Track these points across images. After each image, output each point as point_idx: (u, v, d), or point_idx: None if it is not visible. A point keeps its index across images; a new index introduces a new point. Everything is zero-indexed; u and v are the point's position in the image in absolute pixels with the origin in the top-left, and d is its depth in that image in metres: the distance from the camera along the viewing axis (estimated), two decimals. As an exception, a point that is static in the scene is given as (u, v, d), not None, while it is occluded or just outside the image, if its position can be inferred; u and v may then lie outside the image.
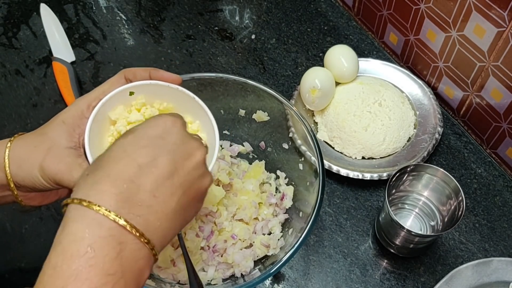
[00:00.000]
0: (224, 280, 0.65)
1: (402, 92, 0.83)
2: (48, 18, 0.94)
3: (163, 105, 0.53)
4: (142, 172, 0.39)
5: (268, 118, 0.71)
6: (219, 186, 0.68)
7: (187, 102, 0.53)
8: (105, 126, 0.51)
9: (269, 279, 0.70)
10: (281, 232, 0.69)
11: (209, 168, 0.47)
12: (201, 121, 0.54)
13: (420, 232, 0.69)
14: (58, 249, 0.35)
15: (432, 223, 0.70)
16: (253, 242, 0.67)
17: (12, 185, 0.49)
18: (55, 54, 0.91)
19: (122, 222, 0.36)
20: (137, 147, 0.40)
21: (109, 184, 0.37)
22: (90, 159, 0.47)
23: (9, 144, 0.48)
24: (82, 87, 0.88)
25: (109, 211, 0.36)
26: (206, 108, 0.53)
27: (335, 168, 0.75)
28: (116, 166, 0.39)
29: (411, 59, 0.88)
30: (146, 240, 0.37)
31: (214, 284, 0.65)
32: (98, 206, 0.36)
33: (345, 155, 0.79)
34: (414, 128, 0.80)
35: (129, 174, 0.38)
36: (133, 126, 0.43)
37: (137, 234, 0.36)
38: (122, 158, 0.39)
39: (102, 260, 0.34)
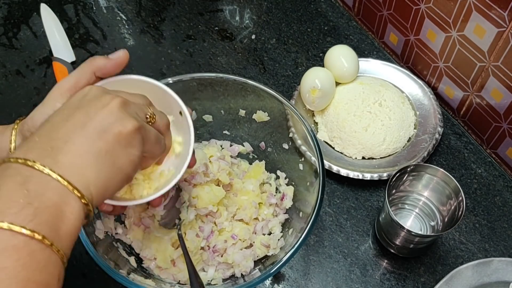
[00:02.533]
0: (224, 280, 0.65)
1: (402, 92, 0.83)
2: (48, 18, 0.94)
3: None
4: (54, 127, 0.42)
5: (268, 118, 0.71)
6: (219, 186, 0.68)
7: (161, 96, 0.53)
8: None
9: (269, 279, 0.70)
10: (281, 232, 0.69)
11: (187, 158, 0.51)
12: (175, 115, 0.54)
13: (420, 232, 0.69)
14: None
15: (432, 223, 0.70)
16: (253, 242, 0.67)
17: None
18: (55, 54, 0.91)
19: (29, 163, 0.38)
20: (56, 113, 0.44)
21: (23, 145, 0.41)
22: None
23: (15, 126, 0.50)
24: (82, 87, 0.88)
25: (16, 158, 0.38)
26: (179, 100, 0.52)
27: (335, 168, 0.75)
28: (38, 130, 0.42)
29: (411, 59, 0.88)
30: (55, 175, 0.38)
31: (214, 284, 0.65)
32: (7, 158, 0.39)
33: (345, 155, 0.79)
34: (414, 128, 0.80)
35: (43, 132, 0.41)
36: None
37: (43, 170, 0.38)
38: (41, 125, 0.43)
39: (5, 191, 0.37)
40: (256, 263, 0.66)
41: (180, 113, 0.53)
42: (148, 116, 0.47)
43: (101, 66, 0.49)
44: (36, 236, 0.36)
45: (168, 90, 0.52)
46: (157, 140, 0.48)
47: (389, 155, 0.78)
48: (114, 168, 0.43)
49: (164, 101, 0.53)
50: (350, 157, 0.79)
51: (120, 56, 0.49)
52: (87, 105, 0.43)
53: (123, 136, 0.43)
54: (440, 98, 0.85)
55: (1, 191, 0.37)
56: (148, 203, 0.53)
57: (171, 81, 0.67)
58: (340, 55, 0.79)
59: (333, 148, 0.80)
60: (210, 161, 0.69)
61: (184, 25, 0.97)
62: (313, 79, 0.77)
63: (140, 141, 0.45)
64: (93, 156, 0.41)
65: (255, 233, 0.68)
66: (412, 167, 0.66)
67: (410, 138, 0.79)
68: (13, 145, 0.49)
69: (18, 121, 0.50)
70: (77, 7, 0.99)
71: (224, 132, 0.75)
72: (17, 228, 0.35)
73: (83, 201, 0.40)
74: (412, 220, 0.72)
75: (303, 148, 0.68)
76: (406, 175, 0.67)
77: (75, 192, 0.39)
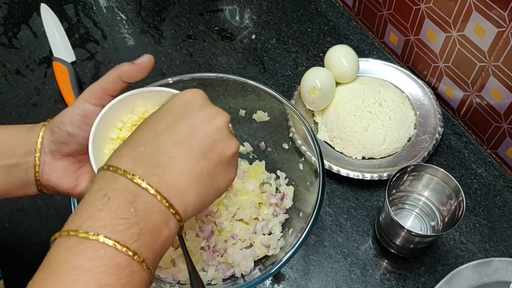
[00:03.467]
0: (224, 280, 0.65)
1: (403, 92, 0.83)
2: (49, 18, 0.94)
3: None
4: (159, 137, 0.41)
5: (268, 118, 0.71)
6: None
7: None
8: (109, 128, 0.51)
9: (269, 279, 0.70)
10: (281, 232, 0.69)
11: None
12: None
13: (420, 232, 0.69)
14: (81, 202, 0.39)
15: (433, 223, 0.70)
16: (253, 242, 0.67)
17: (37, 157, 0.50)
18: (56, 54, 0.91)
19: (136, 179, 0.38)
20: (157, 118, 0.43)
21: (127, 149, 0.41)
22: (94, 166, 0.48)
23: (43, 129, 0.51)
24: (82, 87, 0.88)
25: (125, 171, 0.39)
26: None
27: (335, 168, 0.75)
28: (137, 135, 0.42)
29: (411, 59, 0.88)
30: (159, 197, 0.39)
31: (214, 284, 0.65)
32: (115, 167, 0.39)
33: (345, 155, 0.79)
34: (415, 128, 0.80)
35: (147, 140, 0.41)
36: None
37: (149, 189, 0.38)
38: (142, 129, 0.43)
39: (115, 206, 0.37)
40: (256, 263, 0.66)
41: None
42: (232, 131, 0.47)
43: (127, 71, 0.49)
44: (137, 258, 0.37)
45: (170, 90, 0.52)
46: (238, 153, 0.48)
47: (389, 155, 0.78)
48: (212, 189, 0.43)
49: None
50: (350, 157, 0.79)
51: (145, 61, 0.50)
52: (191, 116, 0.43)
53: (226, 157, 0.43)
54: (440, 98, 0.85)
55: (111, 204, 0.37)
56: None
57: (171, 81, 0.67)
58: (340, 55, 0.79)
59: (333, 148, 0.80)
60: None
61: (184, 25, 0.97)
62: (313, 79, 0.77)
63: (237, 161, 0.45)
64: (196, 178, 0.41)
65: (255, 233, 0.68)
66: (412, 167, 0.66)
67: (410, 138, 0.79)
68: (39, 140, 0.50)
69: (49, 119, 0.51)
70: (77, 7, 0.99)
71: (224, 132, 0.75)
72: (121, 248, 0.36)
73: (180, 224, 0.40)
74: (412, 220, 0.72)
75: (303, 148, 0.68)
76: (406, 175, 0.67)
77: (176, 216, 0.40)
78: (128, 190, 0.38)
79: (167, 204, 0.39)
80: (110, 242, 0.36)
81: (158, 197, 0.39)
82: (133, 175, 0.39)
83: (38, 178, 0.51)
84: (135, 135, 0.42)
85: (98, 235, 0.36)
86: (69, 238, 0.36)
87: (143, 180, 0.38)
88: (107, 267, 0.35)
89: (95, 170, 0.47)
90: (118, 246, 0.36)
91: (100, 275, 0.35)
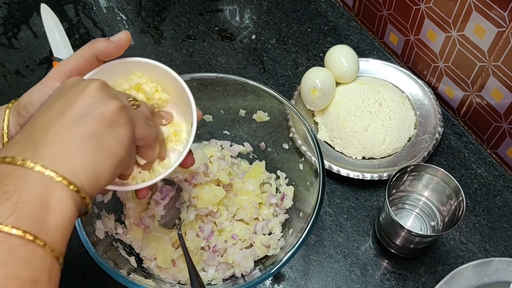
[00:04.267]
0: (224, 280, 0.65)
1: (403, 92, 0.83)
2: (49, 18, 0.94)
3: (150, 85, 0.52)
4: (34, 121, 0.41)
5: (268, 118, 0.71)
6: (220, 186, 0.68)
7: (166, 80, 0.52)
8: None
9: (270, 279, 0.70)
10: (281, 232, 0.69)
11: (187, 146, 0.49)
12: (177, 101, 0.53)
13: (420, 232, 0.69)
14: None
15: (433, 223, 0.70)
16: (254, 242, 0.67)
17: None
18: (56, 54, 0.91)
19: (7, 159, 0.37)
20: (37, 109, 0.43)
21: (9, 142, 0.41)
22: None
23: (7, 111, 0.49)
24: (82, 87, 0.88)
25: None
26: (183, 82, 0.52)
27: (335, 168, 0.75)
28: (20, 130, 0.41)
29: (411, 59, 0.88)
30: (32, 165, 0.37)
31: (215, 284, 0.65)
32: None
33: (346, 155, 0.79)
34: (415, 128, 0.80)
35: (25, 127, 0.41)
36: None
37: (17, 161, 0.37)
38: (25, 124, 0.42)
39: None
40: (256, 263, 0.66)
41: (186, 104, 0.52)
42: (130, 100, 0.45)
43: (102, 49, 0.47)
44: (15, 232, 0.34)
45: (171, 72, 0.51)
46: (147, 122, 0.46)
47: (389, 155, 0.78)
48: (101, 150, 0.40)
49: (168, 85, 0.52)
50: (350, 157, 0.79)
51: (122, 38, 0.48)
52: (66, 94, 0.42)
53: (106, 116, 0.41)
54: (440, 98, 0.85)
55: None
56: (137, 194, 0.51)
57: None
58: (340, 55, 0.79)
59: (333, 148, 0.80)
60: (210, 161, 0.69)
61: (184, 25, 0.97)
62: (313, 79, 0.77)
63: (127, 121, 0.43)
64: (76, 141, 0.39)
65: (255, 233, 0.68)
66: (412, 167, 0.66)
67: (410, 138, 0.79)
68: (5, 125, 0.47)
69: (13, 100, 0.49)
70: (78, 7, 0.99)
71: (224, 132, 0.75)
72: None
73: (71, 187, 0.38)
74: (412, 220, 0.72)
75: (303, 148, 0.68)
76: (406, 175, 0.67)
77: (61, 180, 0.37)
78: (3, 165, 0.37)
79: (46, 171, 0.37)
80: None
81: (36, 168, 0.37)
82: (3, 157, 0.37)
83: None
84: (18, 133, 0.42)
85: None
86: None
87: (14, 157, 0.37)
88: None
89: None
90: None
91: None
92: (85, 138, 0.40)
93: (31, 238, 0.34)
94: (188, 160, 0.52)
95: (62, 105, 0.41)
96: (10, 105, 0.48)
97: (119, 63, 0.49)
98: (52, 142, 0.38)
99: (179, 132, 0.53)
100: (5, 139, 0.47)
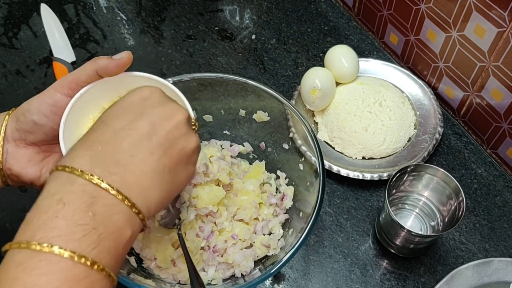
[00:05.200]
0: (224, 280, 0.65)
1: (403, 92, 0.83)
2: (49, 18, 0.94)
3: None
4: (117, 135, 0.40)
5: (269, 118, 0.71)
6: (220, 186, 0.68)
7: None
8: (83, 114, 0.50)
9: (269, 279, 0.70)
10: (282, 232, 0.69)
11: None
12: None
13: (420, 232, 0.69)
14: (32, 208, 0.36)
15: (433, 223, 0.70)
16: (254, 242, 0.67)
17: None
18: (56, 54, 0.91)
19: (95, 180, 0.36)
20: (114, 116, 0.42)
21: (84, 148, 0.39)
22: (63, 148, 0.46)
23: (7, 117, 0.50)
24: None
25: (82, 171, 0.36)
26: (181, 94, 0.52)
27: (335, 168, 0.75)
28: (93, 134, 0.40)
29: (411, 59, 0.88)
30: (121, 197, 0.37)
31: (215, 284, 0.65)
32: (71, 167, 0.37)
33: (346, 155, 0.79)
34: (415, 128, 0.80)
35: (105, 138, 0.40)
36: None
37: (110, 190, 0.37)
38: (99, 127, 0.41)
39: (71, 211, 0.35)
40: (256, 263, 0.66)
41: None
42: (194, 126, 0.46)
43: (104, 66, 0.48)
44: (96, 267, 0.34)
45: (174, 89, 0.52)
46: (200, 149, 0.47)
47: (389, 155, 0.78)
48: (173, 186, 0.42)
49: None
50: (350, 157, 0.79)
51: (123, 57, 0.48)
52: (151, 113, 0.41)
53: (186, 153, 0.42)
54: (440, 98, 0.85)
55: (67, 211, 0.35)
56: None
57: (171, 81, 0.67)
58: (340, 55, 0.79)
59: (333, 148, 0.80)
60: (210, 161, 0.69)
61: (184, 25, 0.97)
62: (313, 79, 0.77)
63: (197, 157, 0.45)
64: (158, 175, 0.40)
65: (255, 233, 0.68)
66: (412, 167, 0.66)
67: (410, 138, 0.79)
68: (2, 129, 0.48)
69: (14, 108, 0.50)
70: (77, 7, 0.99)
71: (224, 132, 0.75)
72: (78, 259, 0.33)
73: (143, 223, 0.39)
74: (412, 220, 0.72)
75: (303, 148, 0.68)
76: (406, 175, 0.67)
77: (140, 215, 0.38)
78: (86, 192, 0.36)
79: (129, 204, 0.37)
80: (66, 254, 0.33)
81: (120, 197, 0.37)
82: (91, 175, 0.36)
83: (1, 168, 0.49)
84: (91, 134, 0.40)
85: (52, 246, 0.33)
86: (20, 251, 0.34)
87: (102, 180, 0.36)
88: (63, 281, 0.33)
89: None
90: (74, 257, 0.33)
91: None
92: (165, 173, 0.40)
93: (107, 274, 0.35)
94: None
95: (148, 127, 0.41)
96: (10, 112, 0.50)
97: (121, 76, 0.49)
98: (137, 171, 0.39)
99: None
100: (0, 142, 0.48)
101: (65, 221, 0.34)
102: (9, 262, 0.34)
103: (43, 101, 0.47)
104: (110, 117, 0.42)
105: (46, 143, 0.50)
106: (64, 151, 0.46)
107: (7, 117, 0.49)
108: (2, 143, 0.48)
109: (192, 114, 0.51)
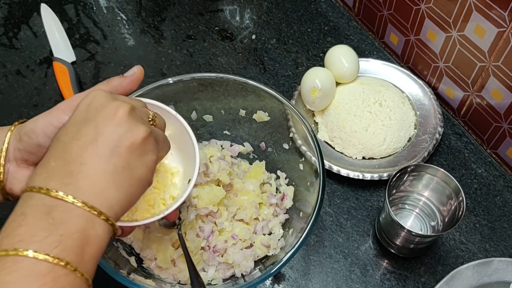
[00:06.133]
0: (224, 280, 0.65)
1: (403, 92, 0.83)
2: (49, 18, 0.94)
3: None
4: (67, 147, 0.41)
5: (269, 118, 0.71)
6: (220, 186, 0.68)
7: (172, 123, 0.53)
8: None
9: (270, 279, 0.70)
10: (282, 232, 0.69)
11: (191, 183, 0.51)
12: (181, 141, 0.54)
13: (420, 232, 0.69)
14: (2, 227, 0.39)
15: (433, 223, 0.70)
16: (254, 242, 0.67)
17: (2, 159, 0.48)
18: (56, 54, 0.91)
19: (52, 193, 0.39)
20: (64, 130, 0.43)
21: (40, 168, 0.41)
22: None
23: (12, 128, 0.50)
24: (82, 87, 0.88)
25: (39, 187, 0.39)
26: (189, 129, 0.52)
27: (335, 168, 0.75)
28: (48, 152, 0.42)
29: (411, 59, 0.88)
30: (79, 203, 0.39)
31: (215, 284, 0.65)
32: (30, 186, 0.40)
33: (346, 155, 0.79)
34: (415, 128, 0.80)
35: (56, 153, 0.41)
36: None
37: (66, 198, 0.39)
38: (53, 145, 0.43)
39: (31, 219, 0.38)
40: (257, 263, 0.66)
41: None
42: (150, 118, 0.47)
43: (117, 85, 0.48)
44: (60, 262, 0.37)
45: (179, 117, 0.52)
46: (164, 139, 0.48)
47: (389, 155, 0.78)
48: (133, 180, 0.42)
49: (175, 128, 0.53)
50: (350, 157, 0.79)
51: (135, 72, 0.49)
52: (94, 117, 0.42)
53: (136, 146, 0.43)
54: (440, 98, 0.85)
55: (27, 220, 0.38)
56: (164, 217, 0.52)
57: (171, 81, 0.67)
58: (340, 55, 0.79)
59: (334, 148, 0.80)
60: (210, 161, 0.69)
61: (185, 25, 0.97)
62: (314, 79, 0.77)
63: (154, 145, 0.44)
64: (111, 175, 0.41)
65: (255, 233, 0.68)
66: (412, 167, 0.66)
67: (410, 138, 0.79)
68: (4, 147, 0.48)
69: (17, 123, 0.49)
70: (78, 7, 0.99)
71: (224, 132, 0.75)
72: (41, 256, 0.36)
73: (109, 222, 0.40)
74: (413, 220, 0.72)
75: (304, 148, 0.68)
76: (406, 175, 0.67)
77: (101, 216, 0.40)
78: (43, 203, 0.38)
79: (87, 208, 0.39)
80: (30, 253, 0.36)
81: (78, 203, 0.39)
82: (47, 189, 0.39)
83: (2, 187, 0.49)
84: (47, 153, 0.42)
85: (16, 249, 0.36)
86: None
87: (57, 191, 0.39)
88: (27, 276, 0.36)
89: None
90: (38, 255, 0.36)
91: (21, 285, 0.35)
92: (119, 171, 0.41)
93: (72, 269, 0.37)
94: (173, 214, 0.53)
95: (93, 131, 0.42)
96: (12, 127, 0.49)
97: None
98: (89, 176, 0.40)
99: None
100: (2, 161, 0.48)
101: (26, 228, 0.37)
102: None
103: (48, 123, 0.47)
104: (61, 132, 0.43)
105: None
106: None
107: (9, 133, 0.48)
108: (3, 162, 0.48)
109: (193, 137, 0.52)
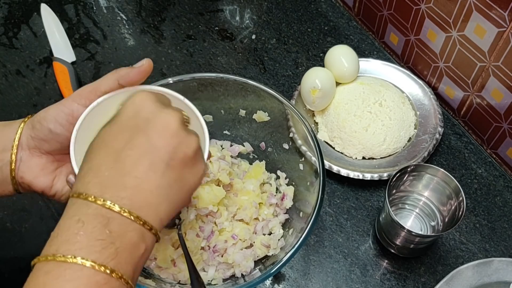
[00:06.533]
0: (224, 280, 0.65)
1: (403, 92, 0.83)
2: (49, 18, 0.94)
3: None
4: (119, 157, 0.41)
5: (269, 118, 0.71)
6: (220, 186, 0.68)
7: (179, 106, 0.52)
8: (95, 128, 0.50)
9: (270, 279, 0.70)
10: (282, 232, 0.69)
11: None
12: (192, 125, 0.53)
13: (420, 233, 0.69)
14: (55, 228, 0.40)
15: (433, 223, 0.70)
16: (254, 242, 0.67)
17: (14, 156, 0.49)
18: (56, 54, 0.91)
19: (108, 205, 0.39)
20: (113, 135, 0.43)
21: (91, 175, 0.41)
22: (74, 165, 0.47)
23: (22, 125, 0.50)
24: (82, 87, 0.88)
25: (95, 197, 0.39)
26: (197, 112, 0.52)
27: (335, 168, 0.75)
28: (97, 157, 0.42)
29: (411, 59, 0.88)
30: (133, 217, 0.40)
31: (215, 284, 0.65)
32: (85, 194, 0.40)
33: (346, 155, 0.79)
34: (415, 128, 0.80)
35: (108, 162, 0.41)
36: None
37: (122, 212, 0.39)
38: (101, 148, 0.42)
39: (90, 229, 0.38)
40: (257, 263, 0.66)
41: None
42: (187, 122, 0.47)
43: (125, 75, 0.48)
44: (115, 275, 0.38)
45: (186, 101, 0.51)
46: (199, 143, 0.47)
47: (389, 155, 0.78)
48: (183, 192, 0.43)
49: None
50: (351, 157, 0.79)
51: (144, 64, 0.49)
52: (146, 127, 0.42)
53: (189, 158, 0.43)
54: (440, 98, 0.85)
55: (86, 228, 0.38)
56: None
57: (171, 81, 0.67)
58: (340, 55, 0.79)
59: (334, 148, 0.80)
60: (210, 161, 0.69)
61: (184, 25, 0.97)
62: (314, 79, 0.77)
63: (201, 155, 0.45)
64: (165, 190, 0.41)
65: (256, 233, 0.68)
66: (412, 167, 0.66)
67: (410, 138, 0.79)
68: (17, 136, 0.49)
69: (30, 116, 0.50)
70: (78, 7, 0.99)
71: (224, 132, 0.75)
72: (99, 267, 0.37)
73: (156, 236, 0.42)
74: (413, 220, 0.72)
75: (304, 148, 0.68)
76: (406, 175, 0.67)
77: (152, 230, 0.41)
78: (101, 214, 0.39)
79: (141, 223, 0.40)
80: (88, 263, 0.37)
81: (132, 217, 0.40)
82: (104, 200, 0.39)
83: (13, 176, 0.50)
84: (96, 157, 0.42)
85: (75, 257, 0.37)
86: (47, 262, 0.37)
87: (114, 204, 0.39)
88: (86, 286, 0.36)
89: (76, 171, 0.46)
90: (95, 266, 0.37)
91: None
92: (172, 185, 0.42)
93: (125, 281, 0.39)
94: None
95: (146, 143, 0.42)
96: (26, 119, 0.50)
97: (135, 89, 0.49)
98: (144, 191, 0.41)
99: None
100: (14, 150, 0.49)
101: (85, 237, 0.38)
102: (37, 272, 0.37)
103: (60, 110, 0.48)
104: (109, 136, 0.43)
105: (60, 153, 0.50)
106: (73, 160, 0.47)
107: (22, 124, 0.50)
108: (16, 150, 0.49)
109: (203, 123, 0.50)
